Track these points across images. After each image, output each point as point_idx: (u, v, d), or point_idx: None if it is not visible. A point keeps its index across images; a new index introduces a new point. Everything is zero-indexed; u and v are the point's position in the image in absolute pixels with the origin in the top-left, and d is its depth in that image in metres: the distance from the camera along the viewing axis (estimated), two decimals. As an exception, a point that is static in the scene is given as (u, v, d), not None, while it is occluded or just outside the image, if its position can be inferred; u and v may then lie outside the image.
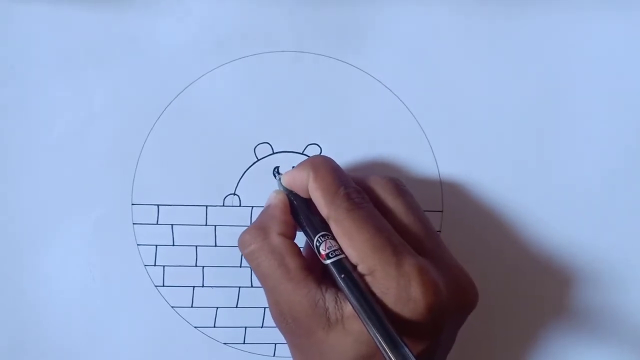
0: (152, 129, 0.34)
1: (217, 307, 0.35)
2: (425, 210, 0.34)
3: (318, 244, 0.28)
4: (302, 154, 0.34)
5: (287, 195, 0.31)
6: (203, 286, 0.35)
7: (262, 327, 0.35)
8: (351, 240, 0.27)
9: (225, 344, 0.35)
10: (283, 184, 0.31)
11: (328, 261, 0.28)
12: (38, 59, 0.33)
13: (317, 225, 0.29)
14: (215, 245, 0.34)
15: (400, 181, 0.32)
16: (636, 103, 0.35)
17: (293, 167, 0.31)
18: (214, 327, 0.35)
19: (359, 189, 0.29)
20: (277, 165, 0.34)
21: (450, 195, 0.35)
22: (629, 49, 0.35)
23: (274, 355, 0.35)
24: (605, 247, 0.36)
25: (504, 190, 0.35)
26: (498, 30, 0.35)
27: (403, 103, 0.35)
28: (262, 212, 0.31)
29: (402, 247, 0.28)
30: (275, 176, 0.33)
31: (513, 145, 0.35)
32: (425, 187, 0.35)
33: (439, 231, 0.35)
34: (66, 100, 0.33)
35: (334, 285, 0.28)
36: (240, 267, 0.35)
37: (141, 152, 0.34)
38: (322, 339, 0.28)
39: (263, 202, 0.34)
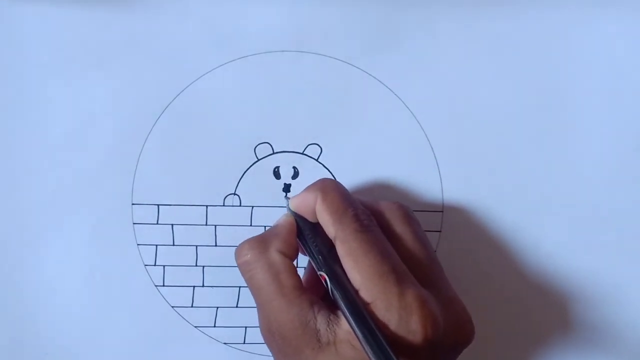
0: (152, 129, 0.34)
1: (217, 307, 0.35)
2: (425, 211, 0.34)
3: (319, 268, 0.29)
4: (302, 154, 0.34)
5: (295, 218, 0.31)
6: (203, 286, 0.35)
7: (259, 328, 0.35)
8: (356, 263, 0.27)
9: (225, 344, 0.35)
10: (291, 207, 0.31)
11: (330, 285, 0.28)
12: (38, 59, 0.33)
13: (323, 249, 0.29)
14: (216, 245, 0.34)
15: (409, 208, 0.32)
16: (636, 103, 0.35)
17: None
18: (214, 327, 0.35)
19: (367, 212, 0.29)
20: (278, 165, 0.34)
21: (450, 195, 0.35)
22: (629, 49, 0.35)
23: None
24: (607, 244, 0.36)
25: (504, 191, 0.35)
26: (498, 31, 0.34)
27: (403, 103, 0.35)
28: (267, 230, 0.31)
29: (406, 276, 0.27)
30: (285, 197, 0.34)
31: (513, 146, 0.35)
32: (425, 187, 0.35)
33: (439, 231, 0.35)
34: (66, 100, 0.33)
35: (328, 308, 0.28)
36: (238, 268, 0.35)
37: (141, 152, 0.34)
38: (310, 359, 0.27)
39: (263, 202, 0.34)
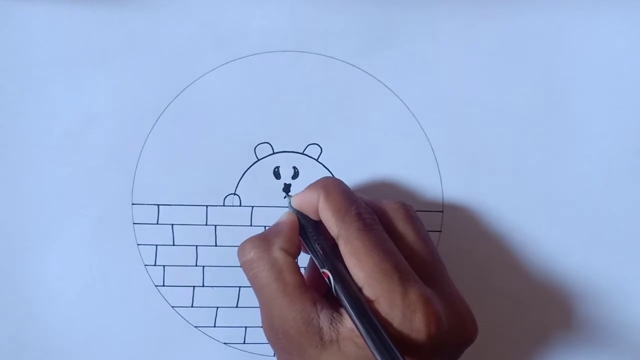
0: (152, 129, 0.34)
1: (217, 307, 0.35)
2: (425, 211, 0.34)
3: (322, 266, 0.29)
4: (302, 154, 0.34)
5: (298, 216, 0.31)
6: (203, 286, 0.35)
7: (262, 327, 0.35)
8: (359, 261, 0.27)
9: (225, 344, 0.35)
10: (293, 205, 0.31)
11: (333, 282, 0.28)
12: (38, 59, 0.33)
13: (325, 247, 0.29)
14: (216, 245, 0.34)
15: (411, 207, 0.32)
16: (636, 103, 0.35)
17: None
18: (214, 327, 0.35)
19: (370, 211, 0.29)
20: (278, 165, 0.34)
21: (450, 195, 0.35)
22: (629, 48, 0.35)
23: (273, 355, 0.35)
24: (607, 244, 0.36)
25: (504, 191, 0.35)
26: (498, 31, 0.34)
27: (403, 103, 0.35)
28: (269, 228, 0.31)
29: (409, 274, 0.27)
30: (286, 196, 0.34)
31: (513, 146, 0.35)
32: (425, 187, 0.35)
33: (439, 231, 0.35)
34: (66, 100, 0.33)
35: (330, 306, 0.28)
36: (241, 267, 0.35)
37: (141, 152, 0.34)
38: (314, 357, 0.27)
39: (263, 202, 0.34)
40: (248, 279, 0.30)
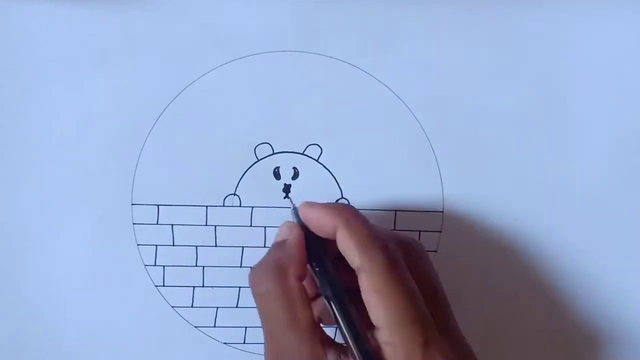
0: (152, 129, 0.34)
1: (217, 307, 0.35)
2: (425, 211, 0.34)
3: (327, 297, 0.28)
4: (302, 154, 0.34)
5: (304, 231, 0.29)
6: (203, 286, 0.35)
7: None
8: (380, 300, 0.26)
9: (225, 344, 0.35)
10: (301, 216, 0.29)
11: (337, 314, 0.27)
12: (38, 59, 0.33)
13: (329, 266, 0.28)
14: (216, 245, 0.34)
15: (422, 245, 0.31)
16: (636, 103, 0.35)
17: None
18: (214, 327, 0.35)
19: (394, 244, 0.28)
20: (278, 165, 0.34)
21: (450, 195, 0.35)
22: (629, 49, 0.35)
23: (274, 355, 0.35)
24: (608, 244, 0.36)
25: (504, 191, 0.35)
26: (498, 31, 0.34)
27: (404, 103, 0.35)
28: (278, 248, 0.29)
29: (430, 323, 0.26)
30: (288, 200, 0.34)
31: (513, 146, 0.35)
32: (425, 188, 0.35)
33: (439, 231, 0.35)
34: (66, 100, 0.33)
35: (336, 346, 0.27)
36: (241, 267, 0.35)
37: (141, 152, 0.34)
38: None
39: (263, 203, 0.34)
40: (258, 309, 0.29)
